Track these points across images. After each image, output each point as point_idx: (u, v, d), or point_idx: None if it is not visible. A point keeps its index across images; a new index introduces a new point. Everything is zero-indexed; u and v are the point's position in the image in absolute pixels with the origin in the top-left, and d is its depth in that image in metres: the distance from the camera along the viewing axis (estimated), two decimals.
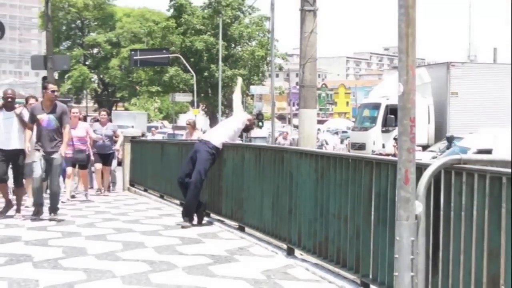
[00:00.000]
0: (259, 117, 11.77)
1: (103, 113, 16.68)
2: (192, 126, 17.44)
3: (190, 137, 16.77)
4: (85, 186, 15.17)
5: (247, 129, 11.36)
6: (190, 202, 10.42)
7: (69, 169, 14.39)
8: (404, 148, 4.82)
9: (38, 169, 10.79)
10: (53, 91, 11.17)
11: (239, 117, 11.09)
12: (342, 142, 37.23)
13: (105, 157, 16.06)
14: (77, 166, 14.86)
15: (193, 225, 10.40)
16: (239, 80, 12.82)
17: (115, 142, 16.56)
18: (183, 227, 10.24)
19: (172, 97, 43.84)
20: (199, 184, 10.33)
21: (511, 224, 4.42)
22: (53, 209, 11.02)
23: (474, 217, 4.76)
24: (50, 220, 10.79)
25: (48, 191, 11.97)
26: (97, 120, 17.24)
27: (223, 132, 10.69)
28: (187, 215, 10.46)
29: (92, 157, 15.48)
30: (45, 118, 10.96)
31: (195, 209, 10.54)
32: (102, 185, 16.19)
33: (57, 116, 10.99)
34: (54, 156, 10.86)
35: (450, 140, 21.02)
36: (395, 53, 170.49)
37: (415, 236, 4.82)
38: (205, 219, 10.81)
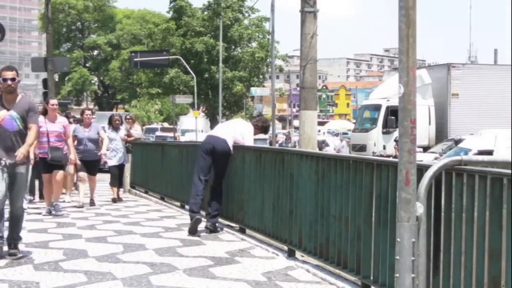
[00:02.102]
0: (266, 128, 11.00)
1: (87, 112, 14.21)
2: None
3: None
4: (56, 191, 12.30)
5: (264, 130, 10.68)
6: (219, 204, 10.07)
7: (47, 176, 12.35)
8: (404, 149, 4.82)
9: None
10: (5, 80, 8.00)
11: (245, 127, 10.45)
12: (342, 141, 37.15)
13: (90, 165, 13.74)
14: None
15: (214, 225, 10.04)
16: None
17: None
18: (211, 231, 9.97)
19: (172, 99, 43.79)
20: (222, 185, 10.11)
21: None
22: (14, 239, 8.01)
23: (475, 218, 4.75)
24: (10, 256, 7.85)
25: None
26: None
27: (231, 135, 10.13)
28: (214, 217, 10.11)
29: (71, 158, 12.74)
30: (5, 116, 8.01)
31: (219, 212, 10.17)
32: (91, 196, 13.86)
33: (21, 113, 8.02)
34: (20, 170, 7.90)
35: (458, 143, 20.94)
36: (395, 55, 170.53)
37: (416, 238, 4.81)
38: (204, 220, 10.71)
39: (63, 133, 12.30)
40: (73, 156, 12.72)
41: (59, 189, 12.58)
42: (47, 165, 12.16)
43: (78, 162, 13.29)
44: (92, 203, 13.72)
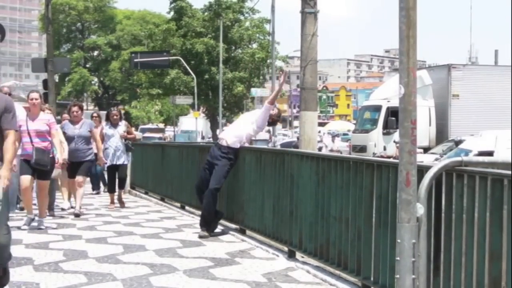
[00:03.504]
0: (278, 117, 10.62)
1: (74, 108, 12.44)
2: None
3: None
4: (41, 206, 10.52)
5: (273, 122, 10.30)
6: (206, 210, 9.72)
7: (26, 178, 10.18)
8: (405, 150, 4.81)
9: None
10: None
11: (259, 111, 10.07)
12: (333, 140, 37.18)
13: (78, 166, 12.15)
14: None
15: (211, 234, 9.75)
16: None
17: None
18: (200, 236, 9.59)
19: (172, 100, 43.83)
20: (215, 192, 9.62)
21: None
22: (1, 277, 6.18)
23: (476, 219, 4.75)
24: None
25: None
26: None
27: (236, 131, 9.87)
28: (204, 225, 9.77)
29: (57, 158, 11.08)
30: None
31: (213, 218, 9.85)
32: (73, 200, 12.47)
33: None
34: None
35: (459, 144, 20.93)
36: (396, 55, 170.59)
37: (417, 239, 4.81)
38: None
39: (47, 132, 10.43)
40: (59, 155, 10.86)
41: (45, 203, 10.66)
42: (30, 167, 10.24)
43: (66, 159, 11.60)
44: (77, 212, 11.91)
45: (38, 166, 10.14)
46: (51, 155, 10.49)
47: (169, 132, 53.76)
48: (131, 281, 6.84)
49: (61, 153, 10.97)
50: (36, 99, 10.43)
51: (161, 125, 67.27)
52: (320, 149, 29.11)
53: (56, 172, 11.62)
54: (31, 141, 10.19)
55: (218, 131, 44.54)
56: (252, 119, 9.97)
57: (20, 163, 10.07)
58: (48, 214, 11.26)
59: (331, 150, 31.88)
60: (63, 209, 12.53)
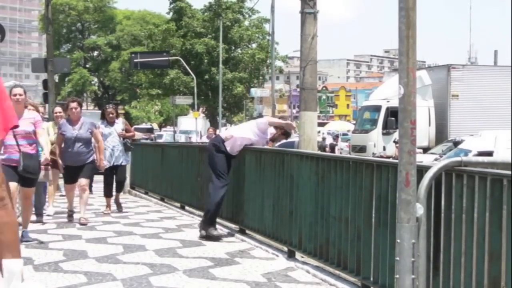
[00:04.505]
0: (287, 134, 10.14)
1: (73, 105, 11.17)
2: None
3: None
4: (25, 216, 9.24)
5: (285, 135, 9.98)
6: (210, 210, 9.50)
7: (12, 185, 8.12)
8: (404, 150, 4.82)
9: None
10: None
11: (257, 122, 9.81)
12: (335, 140, 37.23)
13: (79, 170, 11.07)
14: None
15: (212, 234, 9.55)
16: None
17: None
18: (200, 236, 9.48)
19: (172, 100, 43.85)
20: (219, 189, 9.38)
21: None
22: None
23: (475, 219, 4.75)
24: None
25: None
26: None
27: (235, 128, 9.73)
28: (210, 223, 9.57)
29: (47, 159, 9.70)
30: None
31: (215, 217, 9.67)
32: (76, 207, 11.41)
33: None
34: None
35: (457, 145, 20.95)
36: (395, 56, 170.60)
37: (416, 239, 4.82)
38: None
39: (34, 133, 8.98)
40: (47, 155, 9.51)
41: (30, 212, 9.39)
42: (16, 173, 8.73)
43: (60, 161, 10.98)
44: (83, 220, 10.95)
45: (27, 174, 8.72)
46: (39, 159, 9.16)
47: (169, 132, 53.75)
48: (131, 281, 6.85)
49: (47, 151, 9.61)
50: (20, 94, 8.89)
51: (155, 125, 67.26)
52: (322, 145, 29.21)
53: (41, 173, 10.25)
54: (18, 144, 8.72)
55: (217, 131, 44.57)
56: (251, 126, 9.77)
57: (5, 169, 8.26)
58: (36, 220, 10.71)
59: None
60: (48, 215, 11.70)
